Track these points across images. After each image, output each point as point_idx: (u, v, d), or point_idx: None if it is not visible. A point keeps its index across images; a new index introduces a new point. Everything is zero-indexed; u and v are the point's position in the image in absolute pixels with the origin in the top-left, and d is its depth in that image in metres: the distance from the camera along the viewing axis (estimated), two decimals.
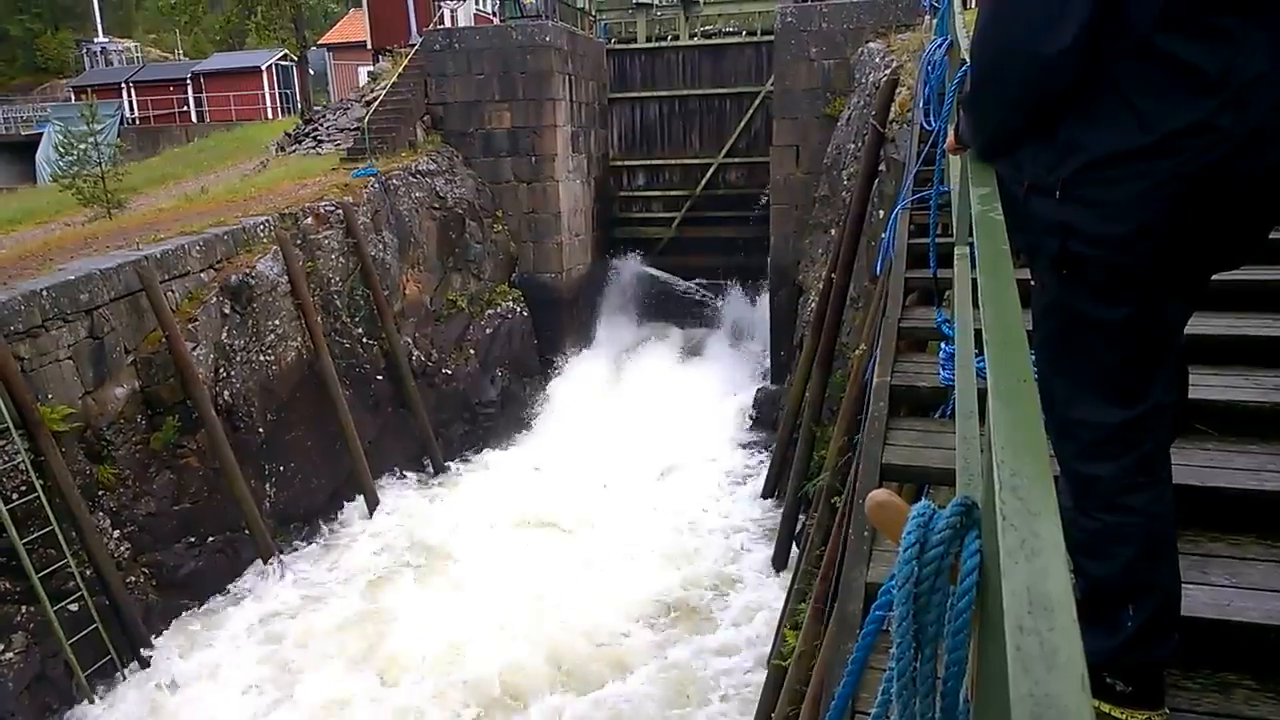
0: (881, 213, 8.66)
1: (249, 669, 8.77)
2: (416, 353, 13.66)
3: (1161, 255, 1.73)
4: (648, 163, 18.59)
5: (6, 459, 7.93)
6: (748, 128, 17.78)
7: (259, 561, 10.33)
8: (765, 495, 11.97)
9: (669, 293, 17.82)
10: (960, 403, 1.77)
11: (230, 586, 10.08)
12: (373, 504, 11.98)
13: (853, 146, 11.45)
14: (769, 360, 15.38)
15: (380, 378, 12.82)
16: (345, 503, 11.96)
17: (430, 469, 13.38)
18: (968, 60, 2.14)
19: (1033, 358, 1.72)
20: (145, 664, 8.71)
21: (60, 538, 8.15)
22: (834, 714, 1.32)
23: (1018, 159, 1.88)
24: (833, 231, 11.40)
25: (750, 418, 14.50)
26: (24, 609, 7.96)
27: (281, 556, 10.56)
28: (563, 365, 16.18)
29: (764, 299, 15.92)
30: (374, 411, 12.70)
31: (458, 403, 14.24)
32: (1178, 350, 1.94)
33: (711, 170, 18.03)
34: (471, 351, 14.67)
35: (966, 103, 2.01)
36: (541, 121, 15.49)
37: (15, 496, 7.92)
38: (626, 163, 18.69)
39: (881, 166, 9.16)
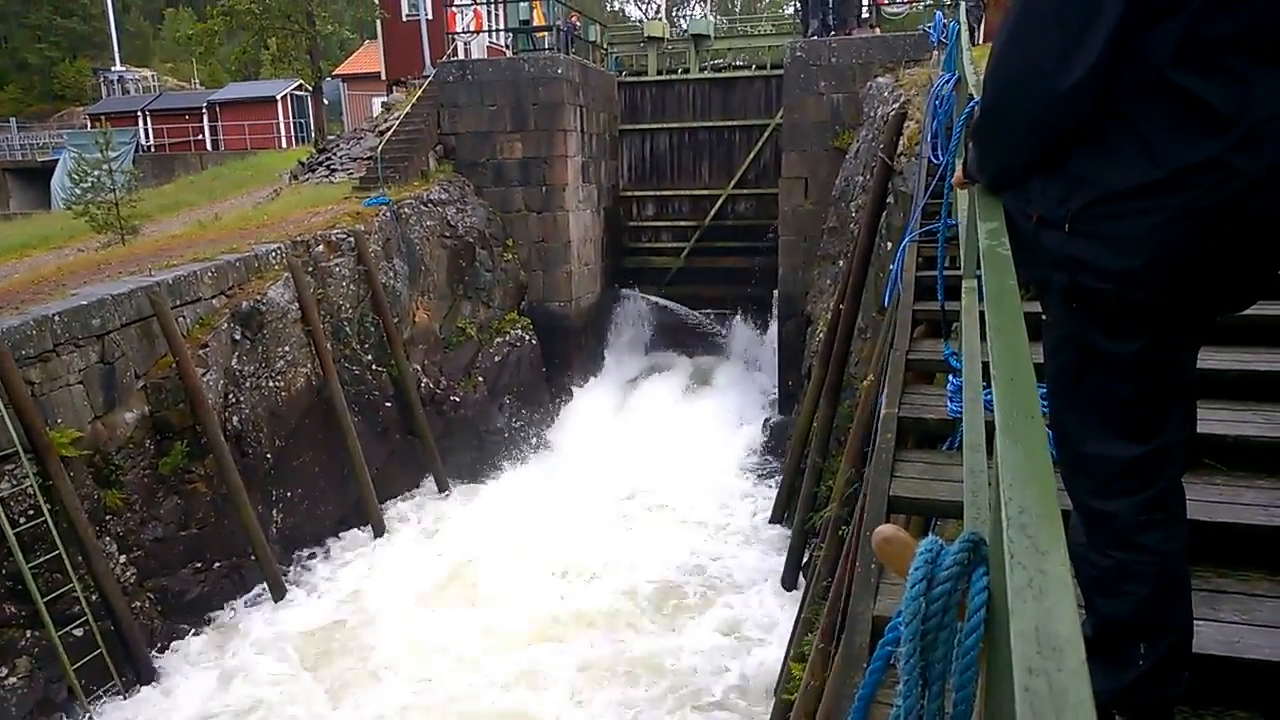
0: (890, 244, 8.69)
1: (249, 689, 8.72)
2: (425, 380, 13.70)
3: (1172, 291, 1.73)
4: (657, 193, 18.73)
5: (15, 483, 7.96)
6: (757, 159, 17.93)
7: (265, 587, 10.30)
8: (774, 521, 11.93)
9: (678, 323, 17.89)
10: (968, 436, 1.77)
11: (234, 609, 10.04)
12: (379, 530, 11.95)
13: (861, 179, 11.52)
14: (777, 391, 15.37)
15: (389, 405, 12.85)
16: (351, 529, 11.93)
17: (437, 496, 13.35)
18: (978, 93, 2.15)
19: (1044, 391, 1.72)
20: (149, 682, 8.67)
21: (66, 562, 8.14)
22: None
23: (1026, 192, 1.88)
24: (841, 263, 11.44)
25: (758, 447, 14.46)
26: (29, 633, 7.94)
27: (287, 583, 10.52)
28: (571, 393, 16.20)
29: (772, 329, 15.95)
30: (382, 438, 12.71)
31: (466, 430, 14.24)
32: (1190, 385, 1.94)
33: (720, 201, 18.15)
34: (480, 379, 14.70)
35: (975, 134, 2.01)
36: (553, 152, 15.64)
37: (23, 520, 7.93)
38: (636, 193, 18.83)
39: (889, 199, 9.21)
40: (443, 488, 13.40)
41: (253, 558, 10.22)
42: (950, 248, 4.81)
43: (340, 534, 11.81)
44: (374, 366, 12.70)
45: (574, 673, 8.88)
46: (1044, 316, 1.97)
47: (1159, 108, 1.66)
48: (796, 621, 7.48)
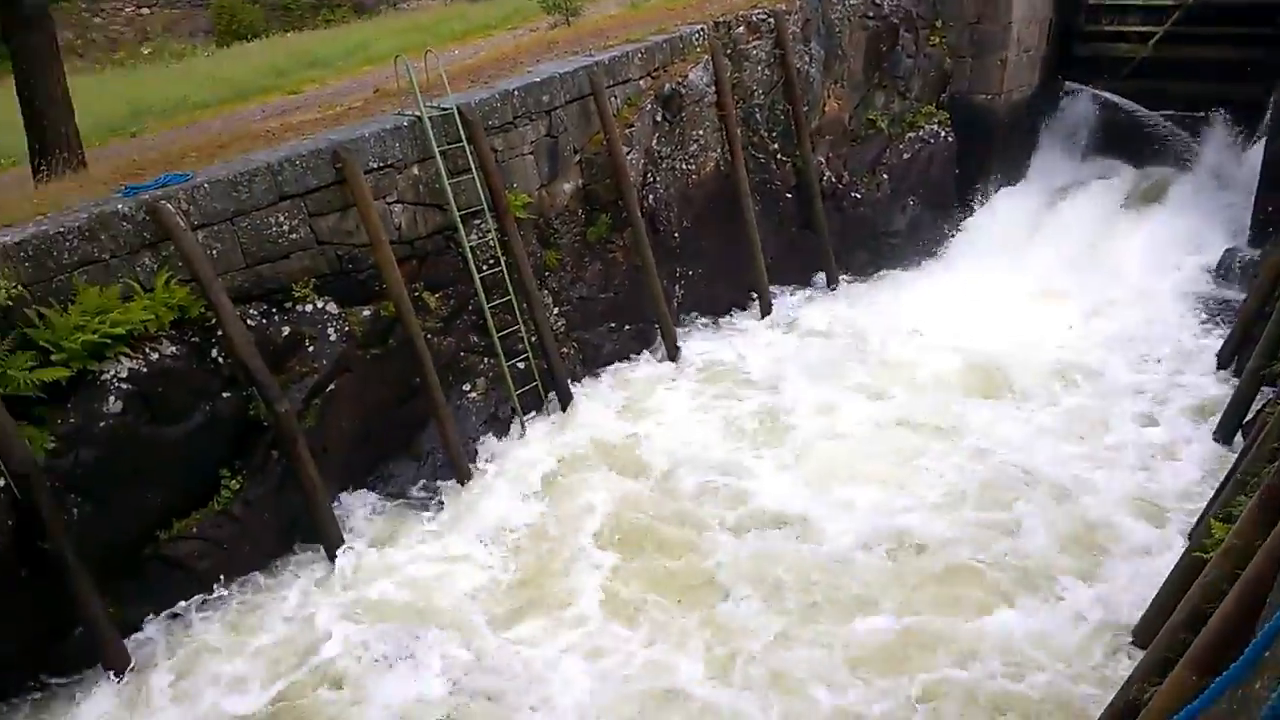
0: None
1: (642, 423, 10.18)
2: (828, 173, 13.40)
3: None
4: None
5: (480, 235, 9.47)
6: None
7: (664, 348, 11.40)
8: (1220, 368, 10.35)
9: (1130, 124, 15.02)
10: None
11: (636, 363, 11.35)
12: (766, 311, 12.47)
13: None
14: (1250, 217, 12.62)
15: (789, 196, 12.87)
16: (741, 311, 12.59)
17: (826, 291, 13.38)
18: None
19: None
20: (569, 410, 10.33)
21: (515, 306, 9.69)
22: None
23: None
24: None
25: (1211, 281, 12.26)
26: (485, 360, 9.77)
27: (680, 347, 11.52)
28: (983, 199, 14.80)
29: (1259, 142, 12.88)
30: (779, 229, 12.87)
31: (863, 229, 13.83)
32: None
33: None
34: (885, 176, 13.98)
35: None
36: None
37: (485, 268, 9.49)
38: None
39: None
40: (832, 283, 13.38)
41: (655, 325, 11.28)
42: None
43: (731, 314, 12.53)
44: (779, 156, 12.68)
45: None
46: None
47: None
48: (1228, 478, 6.51)
